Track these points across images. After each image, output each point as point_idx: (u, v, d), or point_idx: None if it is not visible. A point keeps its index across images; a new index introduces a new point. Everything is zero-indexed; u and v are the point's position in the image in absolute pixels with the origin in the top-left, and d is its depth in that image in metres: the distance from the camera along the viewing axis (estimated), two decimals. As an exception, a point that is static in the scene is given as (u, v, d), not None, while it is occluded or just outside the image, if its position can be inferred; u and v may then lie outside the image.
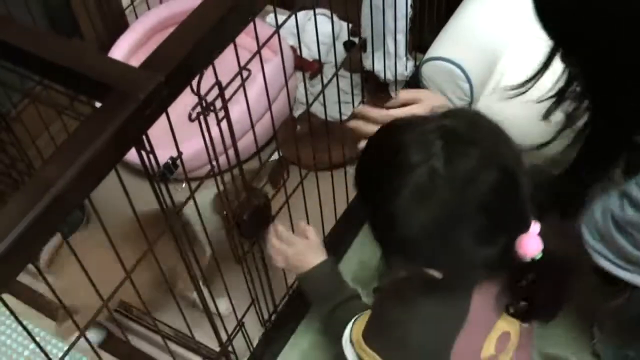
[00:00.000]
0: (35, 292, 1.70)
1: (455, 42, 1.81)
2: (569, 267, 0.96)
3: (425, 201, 0.85)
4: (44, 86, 1.16)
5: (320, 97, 1.59)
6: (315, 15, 1.40)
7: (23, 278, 1.66)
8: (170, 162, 0.93)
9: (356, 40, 2.13)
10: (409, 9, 1.63)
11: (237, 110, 1.14)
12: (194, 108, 0.94)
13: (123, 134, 0.82)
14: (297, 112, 2.06)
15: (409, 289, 1.03)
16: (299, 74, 2.09)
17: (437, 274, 0.93)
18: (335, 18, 2.16)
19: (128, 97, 0.82)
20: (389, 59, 1.73)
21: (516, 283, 0.97)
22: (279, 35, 1.19)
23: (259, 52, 1.12)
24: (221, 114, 0.99)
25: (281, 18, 1.20)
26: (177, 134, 0.95)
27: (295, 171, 1.64)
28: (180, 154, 0.96)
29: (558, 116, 1.14)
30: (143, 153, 0.90)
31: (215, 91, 0.98)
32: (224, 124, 1.02)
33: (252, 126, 1.27)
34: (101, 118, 0.81)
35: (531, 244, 0.89)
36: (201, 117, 0.97)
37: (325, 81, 2.15)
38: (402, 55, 1.74)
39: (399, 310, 1.04)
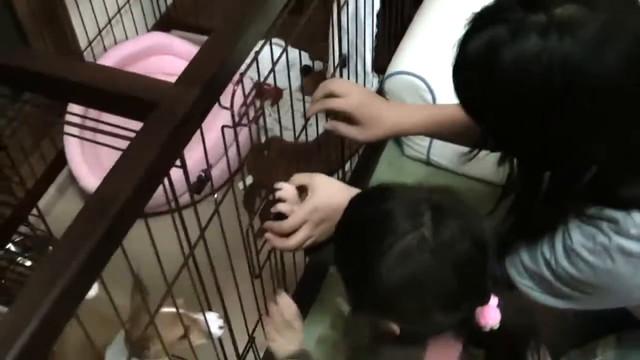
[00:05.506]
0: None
1: (414, 54, 1.90)
2: (522, 338, 1.07)
3: (409, 262, 0.94)
4: (33, 105, 1.17)
5: (284, 122, 1.63)
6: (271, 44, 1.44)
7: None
8: (203, 175, 0.96)
9: (311, 65, 2.20)
10: (374, 28, 1.71)
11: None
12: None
13: (169, 150, 0.85)
14: (262, 138, 2.10)
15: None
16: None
17: (396, 329, 1.01)
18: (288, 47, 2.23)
19: (170, 114, 0.85)
20: (355, 78, 1.79)
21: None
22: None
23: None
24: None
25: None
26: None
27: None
28: (210, 167, 0.98)
29: None
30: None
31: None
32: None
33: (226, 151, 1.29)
34: (148, 136, 0.84)
35: (492, 314, 1.00)
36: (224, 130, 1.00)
37: (286, 107, 2.21)
38: (368, 72, 1.81)
39: None
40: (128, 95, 0.87)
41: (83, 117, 1.63)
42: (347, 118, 1.39)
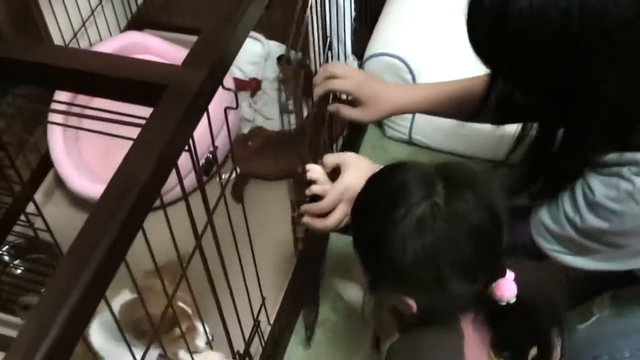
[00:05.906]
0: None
1: (391, 36, 1.92)
2: (542, 314, 1.06)
3: (423, 230, 0.95)
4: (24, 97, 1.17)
5: (265, 112, 1.64)
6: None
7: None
8: (211, 156, 0.97)
9: (290, 54, 2.22)
10: (353, 12, 1.73)
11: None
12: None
13: (184, 130, 0.86)
14: (245, 129, 2.12)
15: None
16: (241, 94, 2.15)
17: (413, 304, 1.01)
18: (263, 38, 2.25)
19: (181, 94, 0.86)
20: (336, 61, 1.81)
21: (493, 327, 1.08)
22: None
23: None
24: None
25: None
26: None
27: (257, 184, 1.70)
28: (215, 148, 1.00)
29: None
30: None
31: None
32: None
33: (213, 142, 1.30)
34: (164, 116, 0.85)
35: (508, 286, 1.00)
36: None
37: (266, 97, 2.22)
38: (349, 55, 1.83)
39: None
40: (136, 81, 0.87)
41: (69, 104, 1.62)
42: (344, 101, 1.41)
